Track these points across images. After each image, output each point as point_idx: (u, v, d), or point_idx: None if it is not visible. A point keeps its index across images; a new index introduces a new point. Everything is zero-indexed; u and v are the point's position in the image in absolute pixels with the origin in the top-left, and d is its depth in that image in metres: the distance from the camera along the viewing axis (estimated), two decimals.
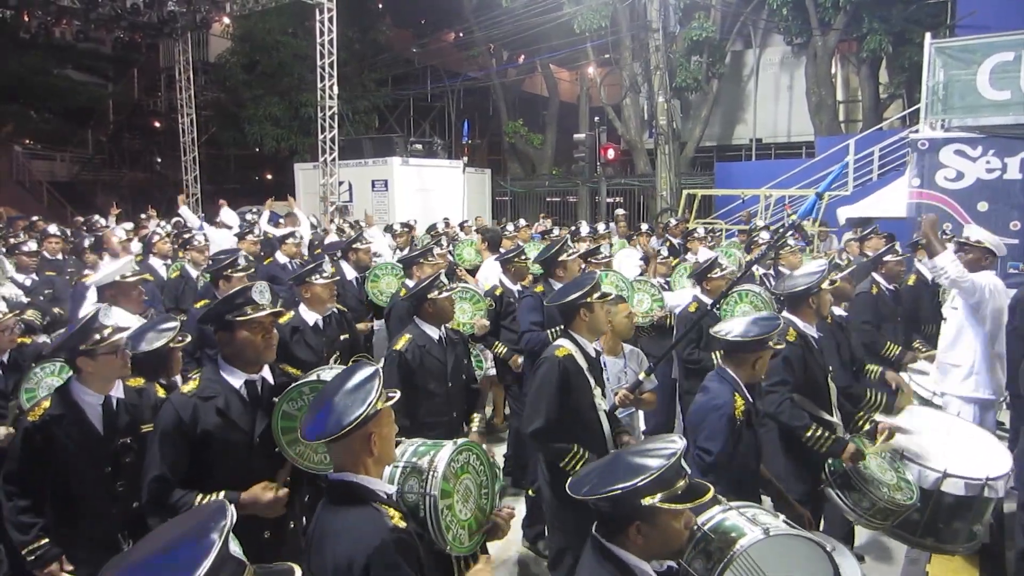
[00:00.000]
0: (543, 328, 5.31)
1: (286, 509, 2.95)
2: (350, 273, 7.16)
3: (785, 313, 4.23)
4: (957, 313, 5.26)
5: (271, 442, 2.97)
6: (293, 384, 3.03)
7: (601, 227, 11.14)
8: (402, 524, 2.13)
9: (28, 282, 7.24)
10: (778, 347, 3.57)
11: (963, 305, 5.18)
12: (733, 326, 3.49)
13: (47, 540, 3.11)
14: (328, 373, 3.07)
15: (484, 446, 2.76)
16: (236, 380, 3.01)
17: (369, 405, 2.13)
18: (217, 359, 3.08)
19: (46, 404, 3.18)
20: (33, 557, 3.06)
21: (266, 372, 3.11)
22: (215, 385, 2.98)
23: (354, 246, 7.44)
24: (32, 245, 7.79)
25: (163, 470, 2.83)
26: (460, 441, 2.53)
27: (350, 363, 4.43)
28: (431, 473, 2.35)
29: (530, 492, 5.16)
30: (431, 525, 2.29)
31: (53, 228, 10.26)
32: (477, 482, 2.54)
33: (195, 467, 2.90)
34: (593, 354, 3.94)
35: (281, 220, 11.51)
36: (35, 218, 13.71)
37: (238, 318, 2.97)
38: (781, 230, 6.42)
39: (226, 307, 3.01)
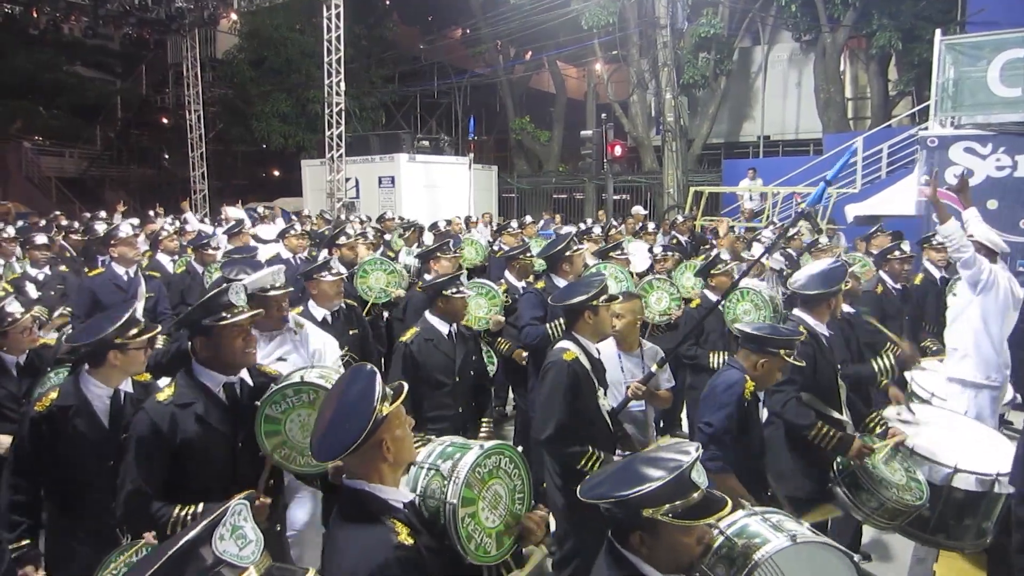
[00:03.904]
0: (543, 323, 5.32)
1: (268, 523, 2.86)
2: (341, 269, 7.06)
3: (796, 311, 4.22)
4: (957, 299, 5.32)
5: (255, 446, 2.89)
6: (276, 387, 2.93)
7: (597, 229, 11.03)
8: (409, 541, 2.03)
9: (41, 276, 7.26)
10: (795, 363, 3.54)
11: (962, 285, 5.22)
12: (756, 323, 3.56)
13: (28, 542, 3.11)
14: (311, 373, 3.00)
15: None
16: (214, 383, 2.92)
17: (373, 413, 2.02)
18: (191, 364, 2.97)
19: (53, 395, 3.17)
20: (15, 556, 3.05)
21: (244, 373, 3.03)
22: (192, 391, 2.88)
23: (337, 241, 7.37)
24: (43, 238, 7.78)
25: (139, 483, 2.74)
26: (489, 444, 2.37)
27: (344, 360, 4.46)
28: (452, 479, 2.22)
29: (542, 486, 5.15)
30: (451, 534, 2.18)
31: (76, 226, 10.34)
32: (510, 487, 2.37)
33: (177, 476, 2.81)
34: (596, 355, 3.93)
35: (293, 217, 11.53)
36: (56, 213, 13.86)
37: (218, 323, 2.87)
38: (790, 220, 6.42)
39: (203, 311, 2.91)
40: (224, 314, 2.89)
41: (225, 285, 3.04)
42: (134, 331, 3.18)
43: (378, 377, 2.13)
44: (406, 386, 2.21)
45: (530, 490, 2.45)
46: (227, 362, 2.94)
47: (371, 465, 2.10)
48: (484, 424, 4.47)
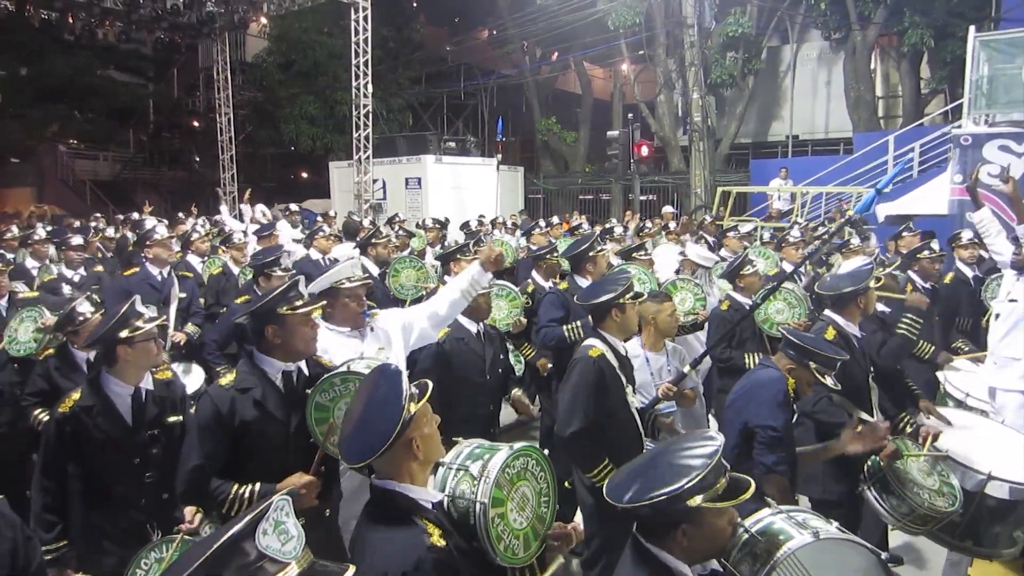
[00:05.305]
0: (562, 325, 5.32)
1: (317, 500, 2.94)
2: (373, 269, 7.16)
3: (827, 312, 4.18)
4: (1016, 305, 5.11)
5: (307, 432, 3.00)
6: (324, 375, 3.04)
7: (619, 229, 11.01)
8: (441, 543, 2.04)
9: (76, 278, 7.39)
10: (824, 383, 3.47)
11: None
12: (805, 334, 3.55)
13: (65, 543, 3.16)
14: (358, 364, 3.09)
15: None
16: (274, 371, 3.03)
17: (403, 413, 2.04)
18: (252, 352, 3.08)
19: (76, 395, 3.23)
20: (50, 557, 3.09)
21: (302, 363, 3.13)
22: (252, 377, 2.99)
23: (372, 240, 7.44)
24: (78, 239, 7.92)
25: (201, 460, 2.86)
26: (517, 445, 2.37)
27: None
28: (483, 479, 2.21)
29: (566, 484, 5.15)
30: (481, 534, 2.17)
31: (110, 231, 10.54)
32: (536, 489, 2.37)
33: (233, 457, 2.93)
34: (623, 352, 3.94)
35: (319, 218, 11.62)
36: (98, 215, 14.18)
37: (292, 311, 3.00)
38: (835, 227, 6.34)
39: (280, 301, 3.02)
40: (291, 306, 3.01)
41: (298, 279, 3.17)
42: (138, 324, 3.22)
43: (404, 376, 2.16)
44: (430, 384, 2.23)
45: (555, 493, 2.44)
46: (296, 349, 3.05)
47: (401, 464, 2.11)
48: (515, 391, 4.54)
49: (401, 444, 2.07)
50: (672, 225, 10.78)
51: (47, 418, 4.19)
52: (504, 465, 2.26)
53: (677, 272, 7.04)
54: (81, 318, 4.20)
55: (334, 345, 3.63)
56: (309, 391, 3.01)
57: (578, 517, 4.20)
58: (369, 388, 2.20)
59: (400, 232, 10.19)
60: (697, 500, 2.03)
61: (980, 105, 9.90)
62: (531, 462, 2.37)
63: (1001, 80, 9.68)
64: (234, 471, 2.92)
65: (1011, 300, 5.19)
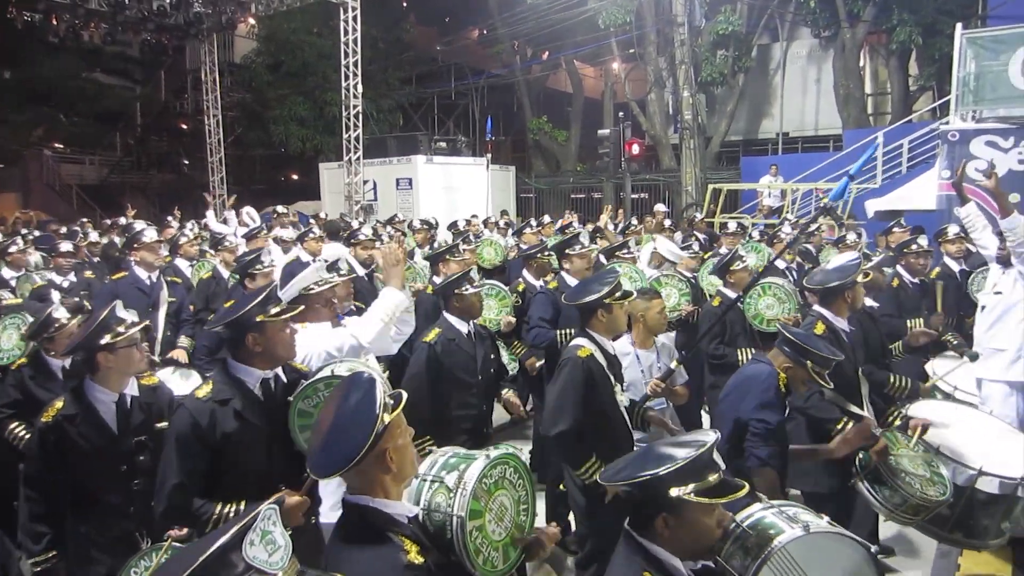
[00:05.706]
0: (553, 326, 5.32)
1: (304, 518, 2.85)
2: (359, 268, 7.06)
3: (816, 307, 4.20)
4: (1001, 297, 5.15)
5: (288, 440, 2.93)
6: (307, 382, 2.96)
7: (611, 226, 11.00)
8: (419, 560, 1.93)
9: (65, 284, 7.32)
10: (821, 382, 3.47)
11: (1012, 281, 5.08)
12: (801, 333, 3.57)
13: (54, 553, 3.10)
14: (341, 367, 3.03)
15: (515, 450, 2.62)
16: (251, 379, 2.94)
17: (376, 423, 1.93)
18: (227, 360, 2.99)
19: (59, 404, 3.16)
20: (39, 569, 3.04)
21: (279, 369, 3.06)
22: (228, 388, 2.90)
23: (351, 241, 7.37)
24: (68, 246, 7.86)
25: (181, 478, 2.76)
26: (494, 454, 2.30)
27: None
28: (459, 491, 2.14)
29: (560, 487, 5.15)
30: (459, 549, 2.11)
31: (94, 235, 10.50)
32: (514, 497, 2.30)
33: (215, 471, 2.84)
34: (611, 351, 3.93)
35: (311, 220, 11.59)
36: (84, 220, 14.10)
37: (271, 318, 2.93)
38: (813, 213, 6.39)
39: (261, 308, 2.93)
40: (276, 309, 2.96)
41: (274, 284, 3.15)
42: (119, 329, 3.15)
43: (378, 385, 2.05)
44: (405, 394, 2.12)
45: (534, 500, 2.40)
46: (277, 355, 2.99)
47: (374, 478, 2.00)
48: (506, 391, 4.53)
49: (374, 455, 1.95)
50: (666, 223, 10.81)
51: (22, 430, 4.09)
52: (481, 475, 2.21)
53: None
54: (56, 325, 4.09)
55: (319, 334, 3.56)
56: (290, 398, 2.95)
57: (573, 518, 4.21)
58: (341, 396, 2.08)
59: (395, 232, 10.19)
60: (679, 491, 2.03)
61: (967, 102, 9.94)
62: (508, 470, 2.32)
63: (988, 77, 9.72)
64: (216, 485, 2.84)
65: (996, 292, 5.24)
